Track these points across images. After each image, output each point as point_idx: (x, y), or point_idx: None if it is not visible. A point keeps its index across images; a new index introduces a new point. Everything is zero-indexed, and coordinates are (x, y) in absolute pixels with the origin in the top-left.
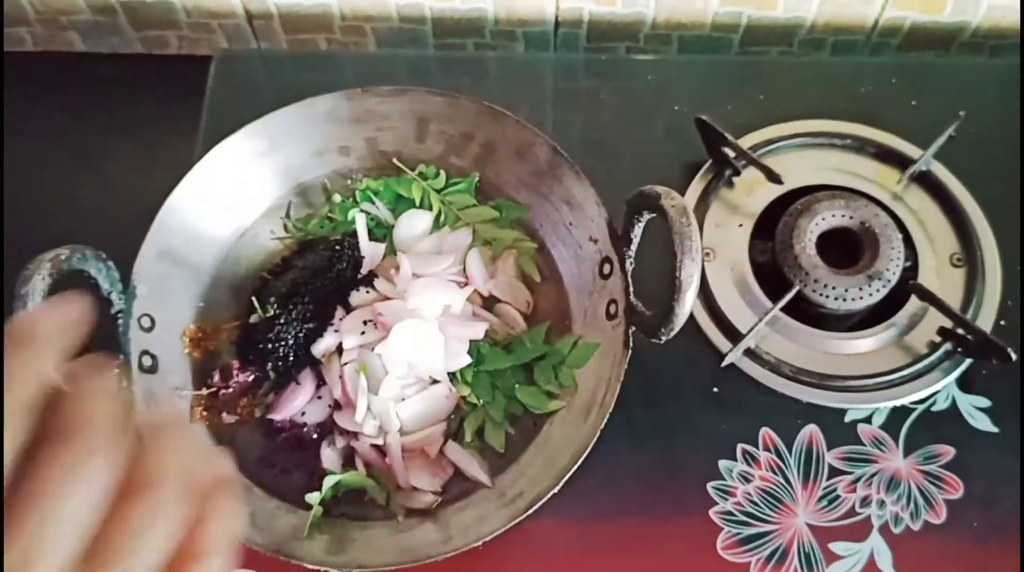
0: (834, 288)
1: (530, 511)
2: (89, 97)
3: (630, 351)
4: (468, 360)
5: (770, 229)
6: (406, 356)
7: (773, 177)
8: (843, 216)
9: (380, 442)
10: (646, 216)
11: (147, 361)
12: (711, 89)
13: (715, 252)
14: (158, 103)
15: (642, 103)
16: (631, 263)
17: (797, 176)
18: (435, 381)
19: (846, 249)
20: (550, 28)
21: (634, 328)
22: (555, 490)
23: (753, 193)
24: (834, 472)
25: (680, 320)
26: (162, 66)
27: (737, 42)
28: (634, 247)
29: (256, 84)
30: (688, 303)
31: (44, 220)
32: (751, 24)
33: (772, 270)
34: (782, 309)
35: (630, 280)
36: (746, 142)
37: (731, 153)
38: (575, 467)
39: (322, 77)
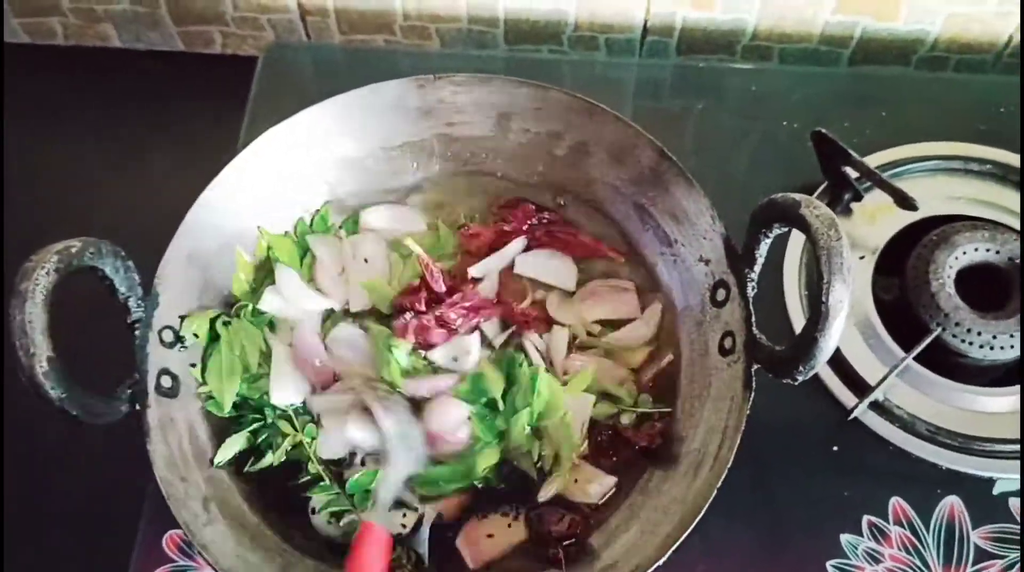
0: (979, 333)
1: None
2: (123, 96)
3: (752, 394)
4: None
5: (896, 263)
6: None
7: (906, 202)
8: (987, 250)
9: None
10: (776, 231)
11: (166, 381)
12: (825, 103)
13: None
14: (197, 105)
15: (744, 116)
16: (754, 288)
17: (929, 204)
18: None
19: (989, 290)
20: (636, 36)
21: (757, 366)
22: (660, 562)
23: (876, 222)
24: (982, 555)
25: (825, 355)
26: (203, 66)
27: (847, 58)
28: (758, 269)
29: (306, 80)
30: (836, 334)
31: (64, 219)
32: (865, 37)
33: (901, 311)
34: (916, 357)
35: (752, 308)
36: (869, 163)
37: (853, 174)
38: (686, 534)
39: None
